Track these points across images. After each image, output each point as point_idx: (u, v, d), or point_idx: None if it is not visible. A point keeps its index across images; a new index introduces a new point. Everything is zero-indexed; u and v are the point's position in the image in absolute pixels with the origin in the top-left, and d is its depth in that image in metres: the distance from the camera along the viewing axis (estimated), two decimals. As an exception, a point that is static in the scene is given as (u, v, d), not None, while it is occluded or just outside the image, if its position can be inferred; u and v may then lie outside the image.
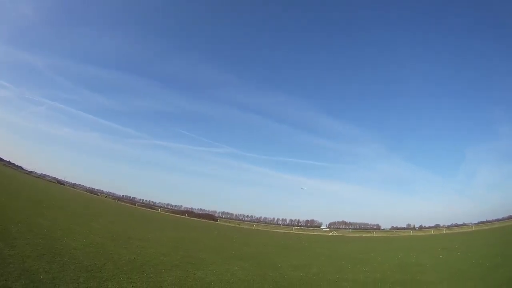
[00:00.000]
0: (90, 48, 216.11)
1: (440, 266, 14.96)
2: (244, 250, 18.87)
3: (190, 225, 42.44)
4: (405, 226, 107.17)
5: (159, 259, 11.39)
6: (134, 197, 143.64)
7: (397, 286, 10.61)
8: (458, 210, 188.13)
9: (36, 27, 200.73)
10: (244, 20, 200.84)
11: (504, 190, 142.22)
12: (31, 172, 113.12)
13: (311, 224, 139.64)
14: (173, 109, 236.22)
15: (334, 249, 25.91)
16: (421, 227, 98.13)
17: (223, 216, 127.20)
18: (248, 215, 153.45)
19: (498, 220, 69.73)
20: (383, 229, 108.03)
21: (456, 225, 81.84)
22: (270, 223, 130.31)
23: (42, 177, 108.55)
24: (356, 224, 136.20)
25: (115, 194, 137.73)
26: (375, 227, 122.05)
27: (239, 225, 75.67)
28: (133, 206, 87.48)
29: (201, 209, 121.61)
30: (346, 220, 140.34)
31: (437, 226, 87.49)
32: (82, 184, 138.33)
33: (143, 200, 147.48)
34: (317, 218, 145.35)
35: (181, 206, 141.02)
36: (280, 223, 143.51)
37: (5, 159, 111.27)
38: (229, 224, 71.10)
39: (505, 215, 71.75)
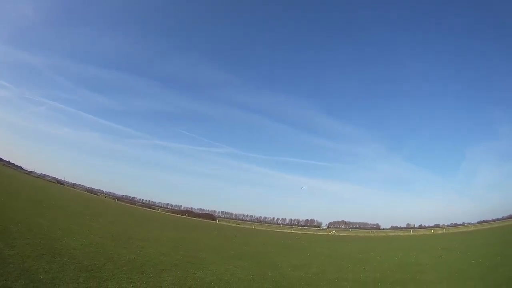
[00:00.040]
0: (90, 48, 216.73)
1: (439, 265, 14.98)
2: (243, 250, 18.87)
3: (190, 225, 42.43)
4: (405, 226, 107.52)
5: (159, 259, 11.38)
6: (134, 197, 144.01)
7: (397, 286, 10.61)
8: (458, 210, 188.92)
9: (36, 27, 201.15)
10: (244, 20, 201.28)
11: (504, 190, 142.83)
12: (30, 172, 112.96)
13: (310, 223, 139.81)
14: (173, 109, 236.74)
15: (333, 248, 25.93)
16: (420, 227, 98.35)
17: (223, 216, 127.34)
18: (247, 215, 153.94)
19: (497, 219, 69.94)
20: (383, 229, 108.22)
21: (456, 225, 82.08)
22: (270, 223, 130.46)
23: (42, 177, 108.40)
24: (355, 223, 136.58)
25: (114, 194, 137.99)
26: (374, 226, 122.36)
27: (238, 224, 75.70)
28: (132, 206, 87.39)
29: (200, 208, 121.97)
30: (346, 219, 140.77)
31: (436, 226, 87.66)
32: (81, 184, 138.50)
33: (142, 200, 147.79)
34: (317, 217, 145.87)
35: (181, 206, 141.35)
36: (280, 222, 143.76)
37: (5, 159, 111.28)
38: (229, 224, 71.10)
39: (505, 214, 72.12)
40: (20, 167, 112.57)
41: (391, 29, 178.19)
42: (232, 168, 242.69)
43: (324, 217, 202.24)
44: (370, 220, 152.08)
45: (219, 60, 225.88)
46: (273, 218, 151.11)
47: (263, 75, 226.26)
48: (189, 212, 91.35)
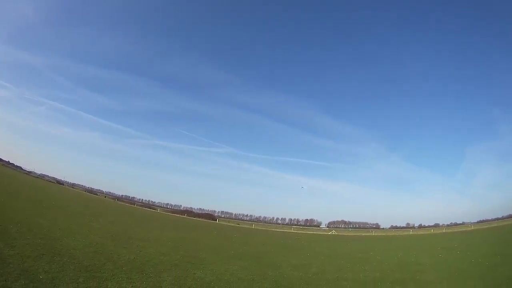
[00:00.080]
0: (90, 48, 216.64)
1: (439, 265, 14.98)
2: (243, 250, 18.86)
3: (189, 225, 42.43)
4: (405, 225, 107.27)
5: (158, 258, 11.38)
6: (134, 197, 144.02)
7: (397, 285, 10.61)
8: (458, 209, 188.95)
9: (36, 27, 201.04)
10: (244, 20, 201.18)
11: (503, 189, 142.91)
12: (30, 172, 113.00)
13: (310, 223, 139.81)
14: (173, 109, 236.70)
15: (333, 248, 25.94)
16: (420, 226, 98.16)
17: (223, 216, 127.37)
18: (247, 215, 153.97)
19: (497, 219, 69.89)
20: (383, 228, 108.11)
21: (456, 224, 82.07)
22: (270, 223, 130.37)
23: (42, 177, 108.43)
24: (355, 223, 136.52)
25: (114, 194, 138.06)
26: (374, 226, 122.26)
27: (238, 224, 75.70)
28: (132, 206, 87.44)
29: (200, 208, 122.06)
30: (346, 219, 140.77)
31: (436, 225, 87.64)
32: (81, 184, 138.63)
33: (142, 200, 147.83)
34: (317, 217, 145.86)
35: (181, 206, 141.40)
36: (280, 222, 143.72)
37: (4, 159, 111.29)
38: (229, 224, 71.12)
39: (505, 214, 72.14)
40: (20, 167, 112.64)
41: (391, 28, 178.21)
42: (232, 168, 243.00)
43: (324, 216, 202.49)
44: (369, 219, 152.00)
45: (219, 60, 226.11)
46: (273, 218, 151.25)
47: (263, 75, 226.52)
48: (189, 212, 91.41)
